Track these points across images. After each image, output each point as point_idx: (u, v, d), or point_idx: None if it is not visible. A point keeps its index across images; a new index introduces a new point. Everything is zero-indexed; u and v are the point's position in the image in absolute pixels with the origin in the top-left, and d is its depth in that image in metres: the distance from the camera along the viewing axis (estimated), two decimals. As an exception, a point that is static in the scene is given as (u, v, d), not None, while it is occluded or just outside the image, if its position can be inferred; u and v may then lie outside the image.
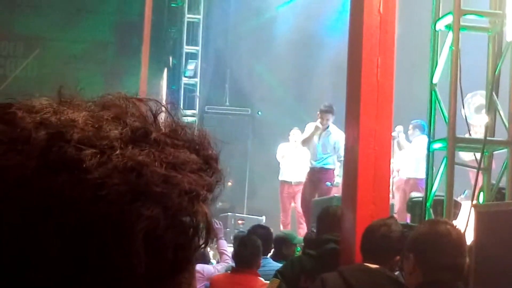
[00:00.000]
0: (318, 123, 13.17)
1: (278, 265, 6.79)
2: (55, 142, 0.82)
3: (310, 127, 13.53)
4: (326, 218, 6.03)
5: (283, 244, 8.17)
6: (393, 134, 12.85)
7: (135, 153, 0.84)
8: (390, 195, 12.80)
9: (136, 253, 0.81)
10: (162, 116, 0.91)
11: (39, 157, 0.82)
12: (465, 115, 7.63)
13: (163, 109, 0.91)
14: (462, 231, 4.80)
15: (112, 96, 0.90)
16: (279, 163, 14.41)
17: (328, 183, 12.79)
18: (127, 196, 0.81)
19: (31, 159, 0.82)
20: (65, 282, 0.80)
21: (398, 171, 13.29)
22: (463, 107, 7.27)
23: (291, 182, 14.10)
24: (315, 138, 13.20)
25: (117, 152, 0.83)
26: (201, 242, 0.88)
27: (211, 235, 0.88)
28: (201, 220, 0.86)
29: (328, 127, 13.08)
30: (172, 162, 0.85)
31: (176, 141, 0.88)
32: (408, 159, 12.83)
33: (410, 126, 13.08)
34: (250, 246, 6.86)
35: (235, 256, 7.09)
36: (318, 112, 13.15)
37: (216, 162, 0.90)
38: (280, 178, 14.31)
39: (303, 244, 7.21)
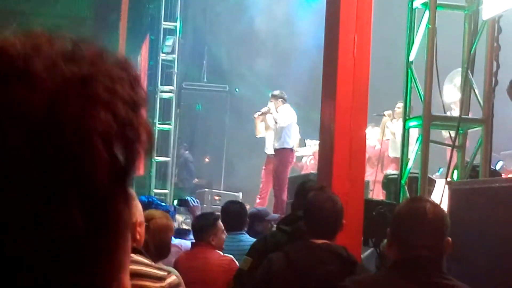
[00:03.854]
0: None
1: (253, 240, 6.81)
2: (1, 56, 0.84)
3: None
4: (302, 194, 6.03)
5: (255, 220, 8.21)
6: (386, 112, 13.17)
7: (79, 66, 0.86)
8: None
9: (101, 155, 0.83)
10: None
11: None
12: (442, 93, 7.66)
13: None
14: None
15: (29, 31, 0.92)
16: (256, 139, 14.30)
17: None
18: (82, 103, 0.84)
19: None
20: (32, 185, 0.81)
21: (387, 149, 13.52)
22: (439, 85, 7.30)
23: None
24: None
25: (63, 66, 0.85)
26: (143, 154, 0.90)
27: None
28: (144, 131, 0.89)
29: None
30: (111, 76, 0.88)
31: (106, 60, 0.90)
32: (396, 138, 12.80)
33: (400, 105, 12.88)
34: (202, 219, 6.95)
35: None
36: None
37: (139, 84, 0.93)
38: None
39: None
